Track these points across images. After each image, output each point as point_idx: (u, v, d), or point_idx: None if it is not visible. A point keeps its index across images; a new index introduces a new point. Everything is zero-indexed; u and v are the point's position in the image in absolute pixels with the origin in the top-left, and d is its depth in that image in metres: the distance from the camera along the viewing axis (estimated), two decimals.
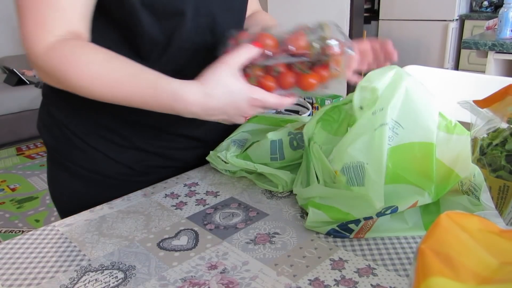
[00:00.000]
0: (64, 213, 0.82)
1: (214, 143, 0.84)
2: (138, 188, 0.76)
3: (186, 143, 0.83)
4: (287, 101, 0.66)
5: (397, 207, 0.55)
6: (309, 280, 0.50)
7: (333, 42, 0.63)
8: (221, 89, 0.61)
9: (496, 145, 0.45)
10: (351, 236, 0.58)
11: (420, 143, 0.57)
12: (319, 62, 0.65)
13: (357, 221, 0.56)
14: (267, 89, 0.65)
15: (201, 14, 0.71)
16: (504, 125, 0.46)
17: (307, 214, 0.65)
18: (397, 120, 0.58)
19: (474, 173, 0.58)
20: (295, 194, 0.70)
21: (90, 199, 0.75)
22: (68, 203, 0.83)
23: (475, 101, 0.48)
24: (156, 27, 0.67)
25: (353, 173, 0.56)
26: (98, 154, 0.78)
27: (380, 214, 0.55)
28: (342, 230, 0.58)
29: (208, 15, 0.72)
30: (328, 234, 0.59)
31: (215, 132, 0.85)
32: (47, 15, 0.61)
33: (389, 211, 0.55)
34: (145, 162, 0.81)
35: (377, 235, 0.58)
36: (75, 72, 0.61)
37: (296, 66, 0.65)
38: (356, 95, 0.61)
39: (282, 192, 0.72)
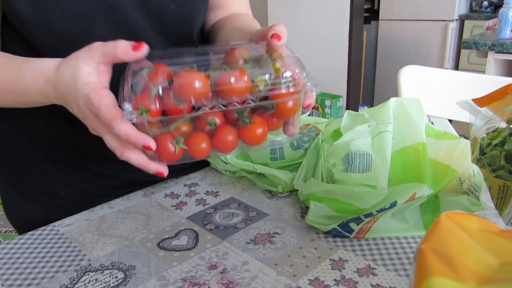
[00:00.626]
0: (19, 230, 0.79)
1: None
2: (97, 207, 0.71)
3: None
4: (150, 167, 0.49)
5: (396, 201, 0.55)
6: (309, 280, 0.50)
7: (287, 78, 0.46)
8: (70, 70, 0.49)
9: (496, 145, 0.45)
10: (351, 236, 0.58)
11: (412, 146, 0.60)
12: (265, 108, 0.48)
13: (358, 219, 0.56)
14: (200, 154, 0.48)
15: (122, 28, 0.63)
16: (504, 124, 0.46)
17: (307, 214, 0.65)
18: (390, 130, 0.61)
19: (474, 172, 0.58)
20: (295, 194, 0.70)
21: (41, 220, 0.69)
22: (19, 222, 0.79)
23: (474, 100, 0.48)
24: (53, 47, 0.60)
25: (358, 159, 0.57)
26: (41, 174, 0.73)
27: (380, 210, 0.55)
28: (343, 230, 0.58)
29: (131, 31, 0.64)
30: (329, 233, 0.59)
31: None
32: None
33: (388, 206, 0.55)
34: (96, 183, 0.76)
35: (377, 235, 0.58)
36: None
37: (236, 114, 0.48)
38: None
39: (282, 192, 0.72)
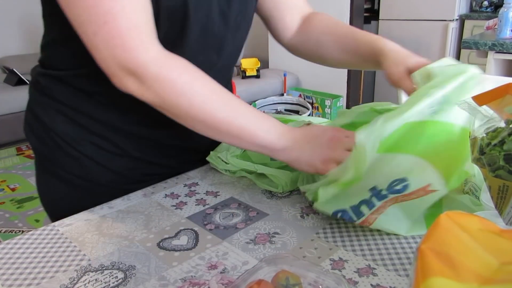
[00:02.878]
0: (52, 218, 0.81)
1: (207, 151, 0.83)
2: (127, 193, 0.74)
3: (180, 152, 0.82)
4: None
5: (405, 179, 0.53)
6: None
7: None
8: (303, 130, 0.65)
9: (495, 145, 0.45)
10: (358, 222, 0.57)
11: (461, 127, 0.56)
12: None
13: (370, 204, 0.55)
14: None
15: (208, 34, 0.71)
16: (503, 124, 0.46)
17: (307, 214, 0.65)
18: (449, 96, 0.56)
19: (474, 172, 0.58)
20: (295, 194, 0.70)
21: (77, 205, 0.72)
22: (55, 208, 0.81)
23: (473, 97, 0.48)
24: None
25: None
26: (88, 161, 0.75)
27: (392, 191, 0.54)
28: (354, 213, 0.56)
29: (215, 36, 0.72)
30: (335, 214, 0.58)
31: (208, 139, 0.82)
32: (143, 24, 0.59)
33: (400, 186, 0.53)
34: (139, 170, 0.79)
35: (381, 228, 0.58)
36: (199, 92, 0.61)
37: None
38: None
39: (282, 192, 0.72)
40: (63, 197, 0.79)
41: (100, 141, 0.75)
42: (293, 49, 0.91)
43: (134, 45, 0.58)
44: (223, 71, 0.81)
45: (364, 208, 0.56)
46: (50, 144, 0.75)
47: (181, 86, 0.60)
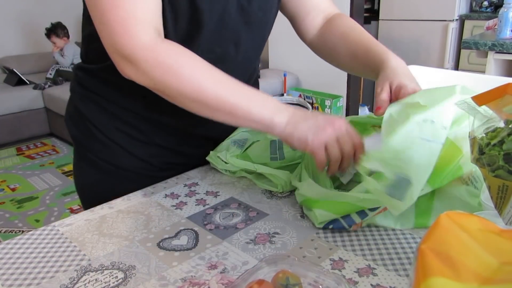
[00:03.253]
0: (85, 203, 0.87)
1: None
2: (156, 182, 0.78)
3: (203, 142, 0.85)
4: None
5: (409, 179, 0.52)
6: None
7: None
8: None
9: (494, 145, 0.45)
10: (351, 228, 0.58)
11: (451, 142, 0.56)
12: None
13: (363, 214, 0.56)
14: None
15: (225, 26, 0.73)
16: (502, 124, 0.46)
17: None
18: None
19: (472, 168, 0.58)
20: (295, 194, 0.70)
21: (109, 191, 0.78)
22: (88, 194, 0.87)
23: (473, 97, 0.48)
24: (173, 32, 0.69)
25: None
26: (117, 147, 0.80)
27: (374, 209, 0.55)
28: (345, 222, 0.58)
29: (232, 29, 0.74)
30: (327, 226, 0.60)
31: (233, 131, 0.86)
32: (144, 12, 0.63)
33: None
34: (162, 158, 0.83)
35: (373, 223, 0.60)
36: (189, 71, 0.63)
37: None
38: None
39: (282, 192, 0.72)
40: (94, 183, 0.84)
41: (128, 129, 0.80)
42: (313, 49, 0.93)
43: (129, 33, 0.62)
44: (242, 66, 0.83)
45: (355, 217, 0.58)
46: (84, 131, 0.82)
47: (171, 66, 0.62)
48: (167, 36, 0.68)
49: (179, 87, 0.63)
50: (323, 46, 0.89)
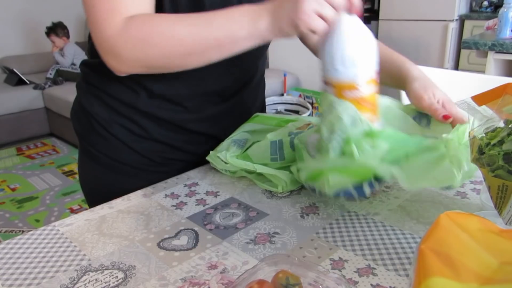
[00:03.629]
0: (89, 199, 0.89)
1: None
2: (156, 177, 0.79)
3: (203, 139, 0.86)
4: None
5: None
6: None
7: None
8: None
9: (494, 145, 0.45)
10: (359, 198, 0.63)
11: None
12: None
13: (371, 185, 0.59)
14: None
15: None
16: (502, 124, 0.47)
17: (307, 214, 0.65)
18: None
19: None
20: (295, 194, 0.70)
21: (110, 186, 0.80)
22: (92, 189, 0.88)
23: (473, 97, 0.48)
24: None
25: None
26: (118, 142, 0.81)
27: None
28: (356, 192, 0.60)
29: None
30: (337, 195, 0.61)
31: (232, 130, 0.86)
32: (117, 2, 0.63)
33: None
34: (163, 153, 0.84)
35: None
36: (156, 31, 0.62)
37: None
38: None
39: (282, 192, 0.72)
40: (96, 176, 0.86)
41: (128, 123, 0.81)
42: (316, 53, 0.92)
43: (100, 28, 0.64)
44: (247, 60, 0.82)
45: (366, 188, 0.59)
46: (86, 125, 0.83)
47: (142, 39, 0.63)
48: None
49: (161, 53, 0.63)
50: None
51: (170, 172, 0.82)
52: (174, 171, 0.82)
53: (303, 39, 0.92)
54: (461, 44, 2.41)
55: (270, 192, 0.73)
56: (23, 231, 2.25)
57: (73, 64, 3.79)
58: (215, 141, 0.85)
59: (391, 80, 0.80)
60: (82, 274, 0.53)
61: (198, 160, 0.85)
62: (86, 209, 0.70)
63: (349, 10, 0.59)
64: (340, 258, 0.54)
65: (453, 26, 3.33)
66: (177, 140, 0.83)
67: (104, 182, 0.85)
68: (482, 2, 3.52)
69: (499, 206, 0.47)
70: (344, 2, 0.58)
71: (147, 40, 0.62)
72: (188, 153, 0.85)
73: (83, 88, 0.84)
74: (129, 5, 0.64)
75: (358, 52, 0.59)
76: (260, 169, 0.73)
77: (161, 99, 0.78)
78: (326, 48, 0.61)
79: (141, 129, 0.81)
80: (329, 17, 0.58)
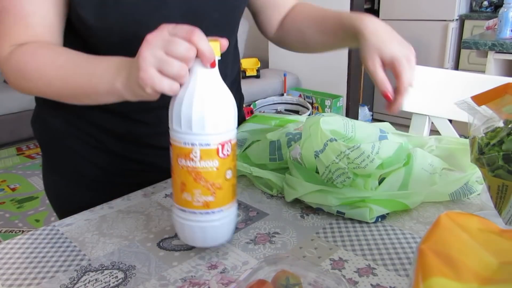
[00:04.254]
0: (58, 213, 0.85)
1: None
2: (119, 189, 0.74)
3: (163, 152, 0.78)
4: None
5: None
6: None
7: None
8: None
9: (494, 144, 0.45)
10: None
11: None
12: None
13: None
14: None
15: None
16: (502, 124, 0.46)
17: (307, 214, 0.65)
18: None
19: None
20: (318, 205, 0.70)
21: (75, 199, 0.77)
22: (58, 203, 0.85)
23: (472, 97, 0.48)
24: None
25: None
26: (75, 154, 0.79)
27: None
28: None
29: None
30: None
31: None
32: (10, 26, 0.63)
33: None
34: (122, 166, 0.80)
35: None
36: (30, 68, 0.61)
37: None
38: None
39: (282, 193, 0.72)
40: (61, 191, 0.83)
41: (85, 136, 0.78)
42: (278, 41, 0.90)
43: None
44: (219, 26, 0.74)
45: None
46: (45, 136, 0.81)
47: (20, 70, 0.62)
48: (99, 51, 0.62)
49: (36, 88, 0.63)
50: (290, 33, 0.85)
51: (133, 184, 0.77)
52: (136, 183, 0.77)
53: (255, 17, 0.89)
54: (461, 44, 2.41)
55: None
56: (23, 231, 2.25)
57: None
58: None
59: (347, 39, 0.72)
60: (82, 274, 0.53)
61: (159, 171, 0.77)
62: (86, 209, 0.70)
63: (202, 61, 0.49)
64: (340, 258, 0.54)
65: (453, 26, 3.34)
66: (134, 152, 0.79)
67: (69, 195, 0.82)
68: (482, 2, 3.52)
69: (499, 206, 0.47)
70: (190, 52, 0.47)
71: (23, 74, 0.62)
72: (148, 165, 0.80)
73: (41, 98, 0.80)
74: (21, 32, 0.63)
75: (198, 113, 0.49)
76: (256, 172, 0.72)
77: (112, 113, 0.74)
78: (171, 101, 0.52)
79: (97, 141, 0.78)
80: (176, 74, 0.48)
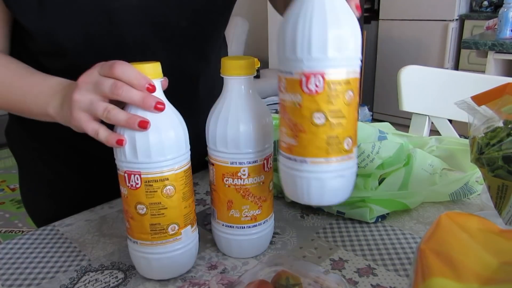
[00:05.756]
0: (36, 222, 0.83)
1: None
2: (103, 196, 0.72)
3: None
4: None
5: None
6: None
7: None
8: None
9: (493, 145, 0.45)
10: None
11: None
12: None
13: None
14: None
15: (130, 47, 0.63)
16: (501, 124, 0.46)
17: (307, 214, 0.65)
18: None
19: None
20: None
21: (46, 206, 0.77)
22: (30, 209, 0.85)
23: (473, 97, 0.48)
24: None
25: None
26: (40, 168, 0.79)
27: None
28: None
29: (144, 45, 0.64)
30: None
31: None
32: None
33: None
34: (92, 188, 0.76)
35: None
36: None
37: None
38: None
39: (282, 192, 0.72)
40: (34, 201, 0.83)
41: (45, 152, 0.77)
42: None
43: None
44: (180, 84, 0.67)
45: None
46: (17, 150, 0.84)
47: None
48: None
49: None
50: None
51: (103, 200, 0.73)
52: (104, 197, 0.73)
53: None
54: (461, 44, 2.41)
55: None
56: (23, 231, 2.24)
57: None
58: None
59: None
60: (82, 274, 0.53)
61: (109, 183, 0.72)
62: (86, 209, 0.70)
63: (136, 88, 0.45)
64: (340, 258, 0.54)
65: (453, 26, 3.33)
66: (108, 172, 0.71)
67: (43, 207, 0.80)
68: (482, 2, 3.52)
69: (499, 206, 0.47)
70: (115, 88, 0.45)
71: None
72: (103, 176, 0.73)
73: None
74: None
75: (245, 133, 0.51)
76: None
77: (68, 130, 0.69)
78: (208, 122, 0.53)
79: (67, 167, 0.76)
80: (101, 115, 0.46)
